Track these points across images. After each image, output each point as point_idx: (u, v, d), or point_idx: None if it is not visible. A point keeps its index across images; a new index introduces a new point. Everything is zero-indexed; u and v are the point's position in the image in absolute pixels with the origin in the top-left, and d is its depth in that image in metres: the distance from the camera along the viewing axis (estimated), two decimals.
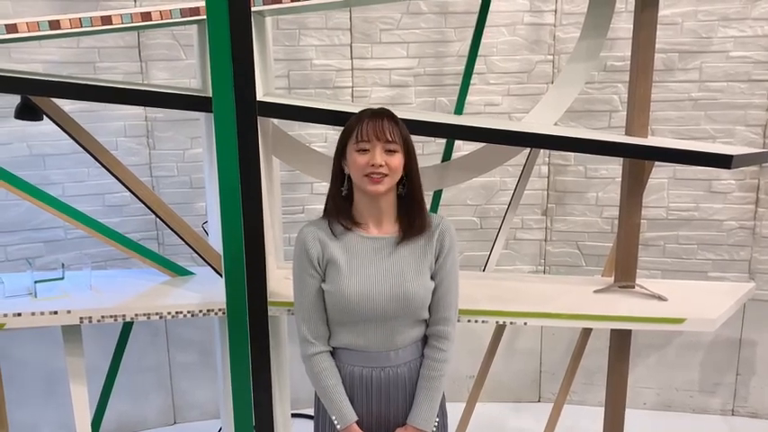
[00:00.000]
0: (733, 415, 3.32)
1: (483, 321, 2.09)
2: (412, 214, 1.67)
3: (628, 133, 2.18)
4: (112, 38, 2.88)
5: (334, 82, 3.12)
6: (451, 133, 2.31)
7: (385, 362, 1.64)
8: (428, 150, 3.15)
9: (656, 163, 2.41)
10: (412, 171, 1.65)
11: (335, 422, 1.65)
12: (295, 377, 2.57)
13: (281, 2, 2.05)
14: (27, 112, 2.12)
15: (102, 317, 2.05)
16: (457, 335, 1.71)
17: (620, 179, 2.28)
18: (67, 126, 2.14)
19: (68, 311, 2.03)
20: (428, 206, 2.78)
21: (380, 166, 1.59)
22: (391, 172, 1.61)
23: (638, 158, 2.14)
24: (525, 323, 2.11)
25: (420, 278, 1.64)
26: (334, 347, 1.68)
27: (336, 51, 3.10)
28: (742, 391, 3.29)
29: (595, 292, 2.24)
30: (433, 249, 1.66)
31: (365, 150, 1.60)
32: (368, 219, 1.68)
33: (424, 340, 1.70)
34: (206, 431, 3.19)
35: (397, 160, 1.61)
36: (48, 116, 2.13)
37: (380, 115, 1.63)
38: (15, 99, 2.11)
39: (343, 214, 1.69)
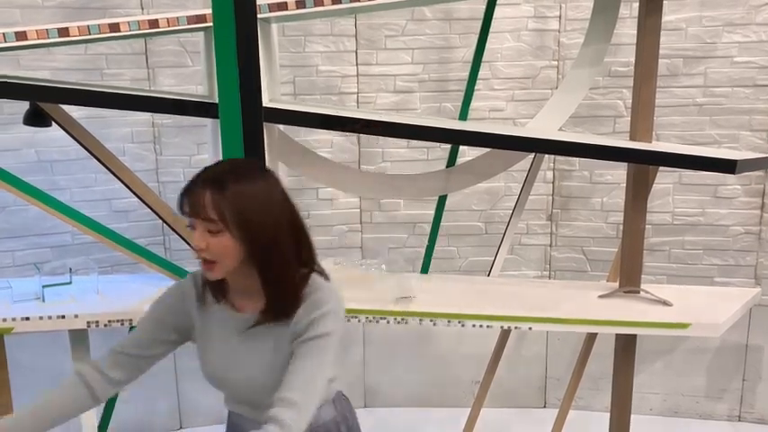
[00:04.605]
0: (740, 421, 3.30)
1: (488, 326, 2.09)
2: (270, 297, 1.34)
3: (631, 138, 2.18)
4: (120, 45, 2.90)
5: (339, 88, 3.14)
6: (456, 139, 2.32)
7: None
8: (433, 156, 3.16)
9: (662, 168, 2.41)
10: (260, 250, 1.29)
11: None
12: None
13: (286, 9, 2.07)
14: (36, 118, 2.15)
15: (110, 321, 2.07)
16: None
17: (625, 184, 2.28)
18: (75, 132, 2.16)
19: (76, 316, 2.05)
20: (433, 208, 2.80)
21: (201, 249, 1.28)
22: (218, 257, 1.29)
23: (642, 163, 2.14)
24: (530, 328, 2.12)
25: (274, 372, 1.34)
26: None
27: (342, 58, 3.12)
28: (749, 396, 3.28)
29: (600, 297, 2.24)
30: (298, 336, 1.33)
31: (192, 226, 1.30)
32: (234, 292, 1.41)
33: None
34: None
35: (223, 243, 1.27)
36: (56, 122, 2.15)
37: (198, 183, 1.29)
38: (24, 105, 2.13)
39: (211, 283, 1.40)
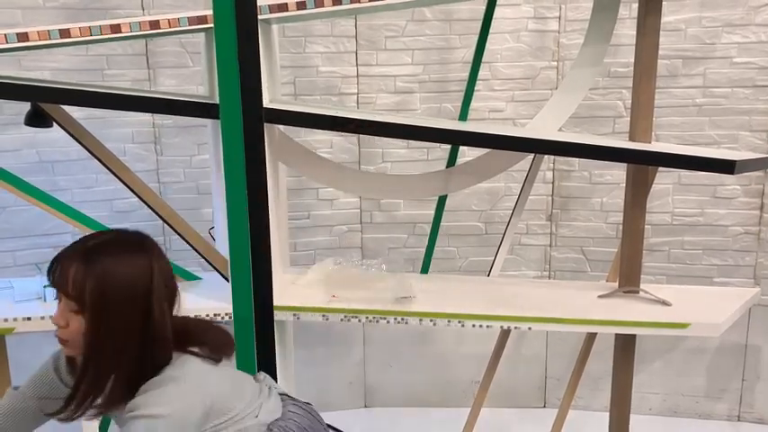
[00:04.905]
0: (739, 420, 3.31)
1: (488, 326, 2.10)
2: (79, 383, 1.21)
3: (631, 139, 2.19)
4: (121, 45, 2.91)
5: (339, 89, 3.14)
6: (456, 139, 2.32)
7: None
8: (433, 156, 3.17)
9: (661, 168, 2.42)
10: (93, 339, 1.17)
11: None
12: (301, 382, 2.59)
13: (287, 10, 2.08)
14: (37, 118, 2.15)
15: None
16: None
17: (624, 184, 2.29)
18: (76, 133, 2.17)
19: None
20: (433, 208, 2.81)
21: (58, 326, 1.19)
22: (69, 336, 1.19)
23: (641, 164, 2.15)
24: (530, 328, 2.12)
25: None
26: None
27: (342, 58, 3.12)
28: (748, 396, 3.29)
29: (600, 297, 2.25)
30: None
31: (58, 298, 1.20)
32: None
33: None
34: None
35: (76, 324, 1.17)
36: (57, 123, 2.15)
37: (69, 253, 1.19)
38: (26, 106, 2.14)
39: (70, 360, 1.31)
